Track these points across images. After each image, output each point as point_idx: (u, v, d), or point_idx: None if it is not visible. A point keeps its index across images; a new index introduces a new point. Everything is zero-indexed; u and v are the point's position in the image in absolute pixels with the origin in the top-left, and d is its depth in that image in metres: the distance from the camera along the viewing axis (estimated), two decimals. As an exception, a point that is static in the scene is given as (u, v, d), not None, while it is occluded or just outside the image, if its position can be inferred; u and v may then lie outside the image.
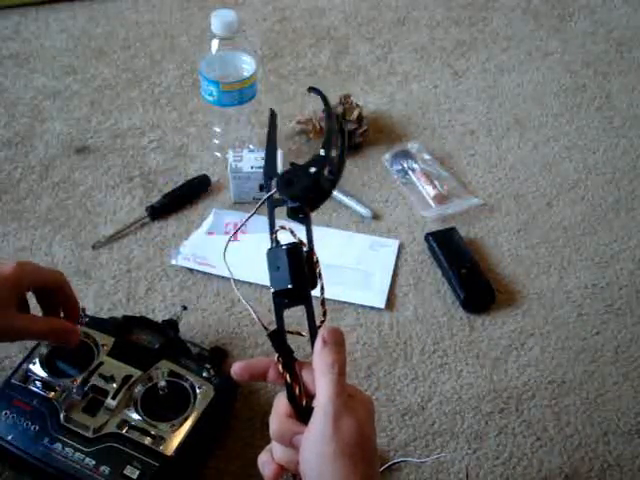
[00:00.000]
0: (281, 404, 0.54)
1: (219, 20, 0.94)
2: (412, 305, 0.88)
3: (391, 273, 0.91)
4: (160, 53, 1.25)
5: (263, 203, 0.57)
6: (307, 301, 0.54)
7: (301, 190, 0.56)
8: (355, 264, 0.92)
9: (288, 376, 0.53)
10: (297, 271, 0.54)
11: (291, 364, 0.54)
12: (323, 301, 0.55)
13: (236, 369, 0.56)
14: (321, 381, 0.52)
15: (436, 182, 1.01)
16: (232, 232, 0.95)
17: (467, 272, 0.89)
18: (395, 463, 0.73)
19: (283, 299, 0.54)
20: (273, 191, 0.57)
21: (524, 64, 1.25)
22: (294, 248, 0.55)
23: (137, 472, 0.65)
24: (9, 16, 1.32)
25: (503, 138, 1.11)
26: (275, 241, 0.56)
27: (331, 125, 0.57)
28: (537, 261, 0.93)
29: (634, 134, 1.12)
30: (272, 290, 0.54)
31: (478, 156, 1.08)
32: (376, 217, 0.98)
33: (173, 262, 0.91)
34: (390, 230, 0.97)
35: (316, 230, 0.92)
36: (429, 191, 1.00)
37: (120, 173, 1.03)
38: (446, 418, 0.77)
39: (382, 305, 0.87)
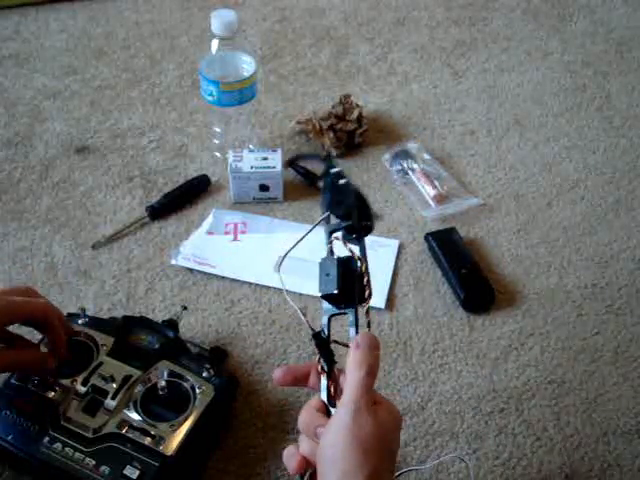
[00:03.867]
0: (314, 399, 0.57)
1: (219, 20, 0.94)
2: (412, 305, 0.88)
3: (391, 273, 0.91)
4: (160, 53, 1.25)
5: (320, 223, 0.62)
6: (353, 310, 0.58)
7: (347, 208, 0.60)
8: None
9: (325, 375, 0.57)
10: (345, 279, 0.57)
11: (330, 367, 0.57)
12: (368, 310, 0.58)
13: (278, 374, 0.59)
14: (348, 379, 0.54)
15: (436, 182, 1.01)
16: (236, 232, 0.95)
17: (467, 272, 0.89)
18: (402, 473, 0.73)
19: (330, 304, 0.59)
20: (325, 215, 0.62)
21: (524, 64, 1.25)
22: (347, 259, 0.58)
23: (137, 472, 0.65)
24: (9, 16, 1.32)
25: (503, 138, 1.11)
26: (330, 251, 0.60)
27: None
28: (537, 261, 0.93)
29: (634, 134, 1.12)
30: (320, 294, 0.58)
31: (478, 156, 1.08)
32: (376, 217, 0.98)
33: (173, 262, 0.91)
34: (390, 230, 0.97)
35: (314, 229, 0.92)
36: (429, 191, 1.00)
37: (120, 173, 1.03)
38: (446, 418, 0.77)
39: (382, 305, 0.87)
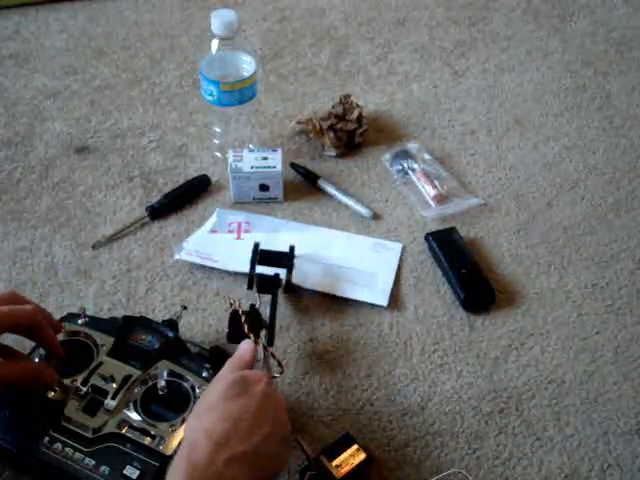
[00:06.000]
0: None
1: (219, 20, 0.94)
2: (412, 305, 0.88)
3: (394, 273, 0.91)
4: (160, 53, 1.25)
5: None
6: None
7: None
8: (358, 264, 0.92)
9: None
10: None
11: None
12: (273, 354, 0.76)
13: None
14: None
15: (436, 182, 1.01)
16: (239, 231, 0.96)
17: (467, 272, 0.89)
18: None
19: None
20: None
21: (524, 64, 1.25)
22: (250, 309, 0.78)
23: (137, 472, 0.65)
24: (9, 16, 1.32)
25: (503, 138, 1.11)
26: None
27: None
28: (537, 261, 0.93)
29: (634, 134, 1.12)
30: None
31: (478, 156, 1.08)
32: (376, 217, 0.98)
33: (176, 257, 0.91)
34: (390, 230, 0.97)
35: (318, 231, 0.97)
36: (429, 191, 1.00)
37: (120, 173, 1.03)
38: (446, 418, 0.77)
39: (385, 303, 0.87)
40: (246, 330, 0.74)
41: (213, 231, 0.95)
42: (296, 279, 0.88)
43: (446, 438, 0.76)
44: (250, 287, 0.85)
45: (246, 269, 0.87)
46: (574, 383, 0.81)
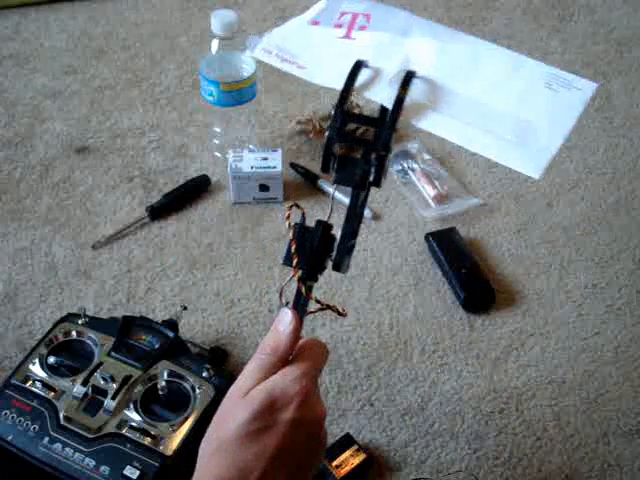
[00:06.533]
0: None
1: (219, 20, 0.94)
2: (412, 305, 0.88)
3: (568, 129, 0.60)
4: (160, 53, 1.25)
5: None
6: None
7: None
8: (515, 106, 0.61)
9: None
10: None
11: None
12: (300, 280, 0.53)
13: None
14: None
15: (436, 182, 1.01)
16: (352, 27, 0.66)
17: (467, 272, 0.89)
18: None
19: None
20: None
21: (524, 64, 1.25)
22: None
23: (137, 472, 0.65)
24: (9, 16, 1.32)
25: (503, 138, 1.11)
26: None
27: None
28: (537, 261, 0.93)
29: (634, 134, 1.12)
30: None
31: (478, 156, 1.08)
32: (376, 217, 0.98)
33: (248, 53, 0.75)
34: (390, 230, 0.97)
35: (471, 42, 0.68)
36: (429, 191, 1.00)
37: (120, 173, 1.03)
38: (446, 418, 0.77)
39: (537, 174, 0.61)
40: (293, 264, 0.51)
41: (314, 22, 0.67)
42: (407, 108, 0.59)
43: (446, 438, 0.76)
44: (325, 169, 0.56)
45: (338, 84, 0.58)
46: (574, 383, 0.81)
